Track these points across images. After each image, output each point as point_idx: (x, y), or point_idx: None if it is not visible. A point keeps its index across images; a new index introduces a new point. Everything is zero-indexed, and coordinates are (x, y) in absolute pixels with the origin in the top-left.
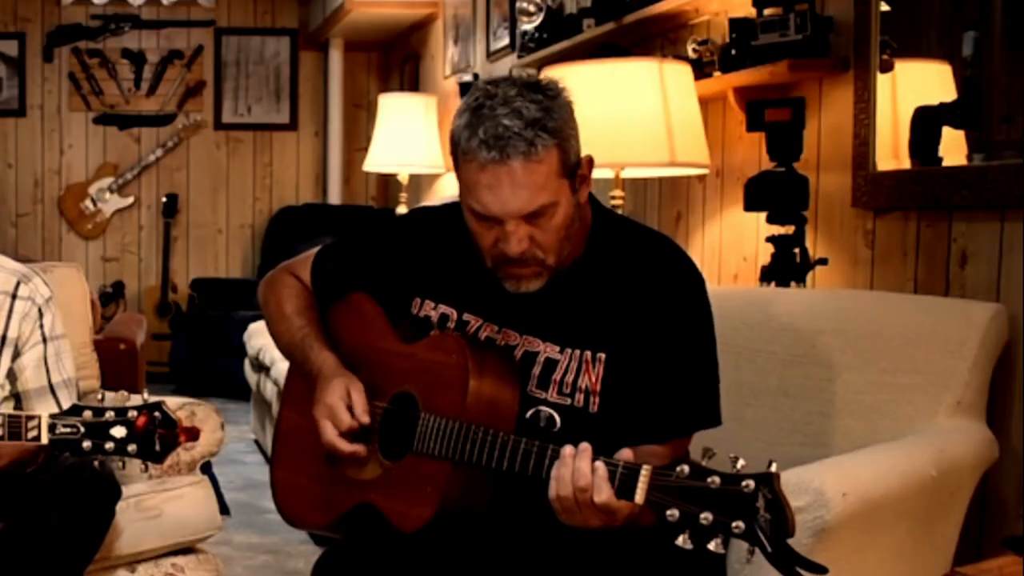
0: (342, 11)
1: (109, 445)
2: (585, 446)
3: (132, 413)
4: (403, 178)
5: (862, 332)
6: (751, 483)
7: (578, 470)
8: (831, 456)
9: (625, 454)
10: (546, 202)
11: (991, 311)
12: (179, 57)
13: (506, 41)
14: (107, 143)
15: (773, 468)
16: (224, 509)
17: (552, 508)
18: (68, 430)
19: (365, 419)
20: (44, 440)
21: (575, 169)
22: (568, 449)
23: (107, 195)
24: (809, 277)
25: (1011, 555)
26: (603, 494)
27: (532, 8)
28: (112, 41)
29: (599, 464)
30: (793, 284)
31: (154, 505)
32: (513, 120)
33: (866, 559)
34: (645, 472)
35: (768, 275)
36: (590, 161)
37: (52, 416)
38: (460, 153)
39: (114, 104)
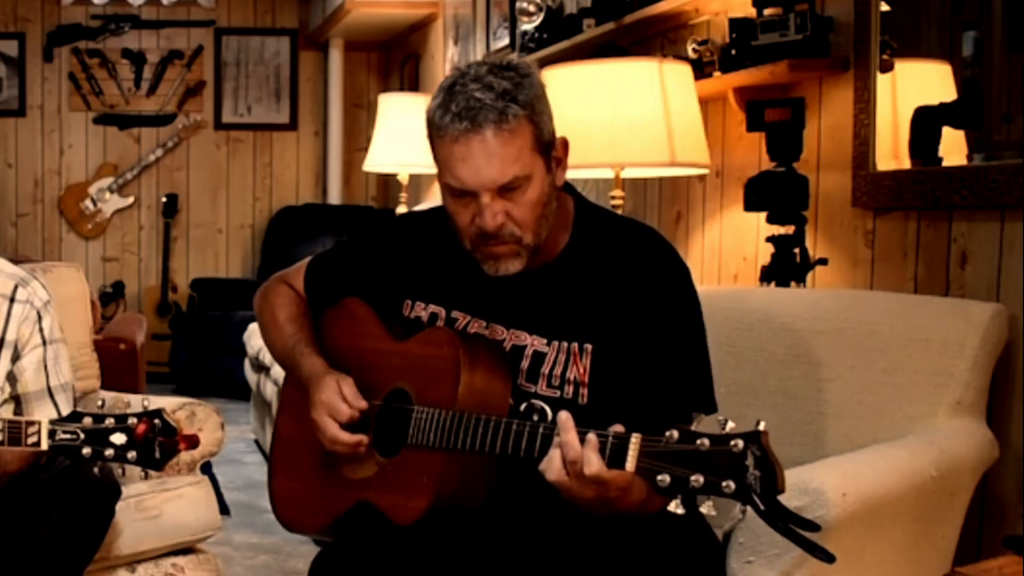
0: (342, 11)
1: (109, 452)
2: (566, 415)
3: (132, 420)
4: (403, 178)
5: (862, 332)
6: (739, 442)
7: (566, 443)
8: (831, 456)
9: (617, 427)
10: (520, 174)
11: (991, 311)
12: (179, 57)
13: (506, 41)
14: (107, 143)
15: (761, 426)
16: (224, 509)
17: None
18: (68, 436)
19: (362, 403)
20: (44, 446)
21: (549, 148)
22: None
23: (107, 195)
24: (809, 277)
25: (1011, 555)
26: (593, 465)
27: (532, 8)
28: (112, 41)
29: (590, 436)
30: (793, 284)
31: (154, 505)
32: (484, 93)
33: (866, 559)
34: (635, 440)
35: (768, 275)
36: (565, 143)
37: (52, 422)
38: (435, 131)
39: (114, 104)
